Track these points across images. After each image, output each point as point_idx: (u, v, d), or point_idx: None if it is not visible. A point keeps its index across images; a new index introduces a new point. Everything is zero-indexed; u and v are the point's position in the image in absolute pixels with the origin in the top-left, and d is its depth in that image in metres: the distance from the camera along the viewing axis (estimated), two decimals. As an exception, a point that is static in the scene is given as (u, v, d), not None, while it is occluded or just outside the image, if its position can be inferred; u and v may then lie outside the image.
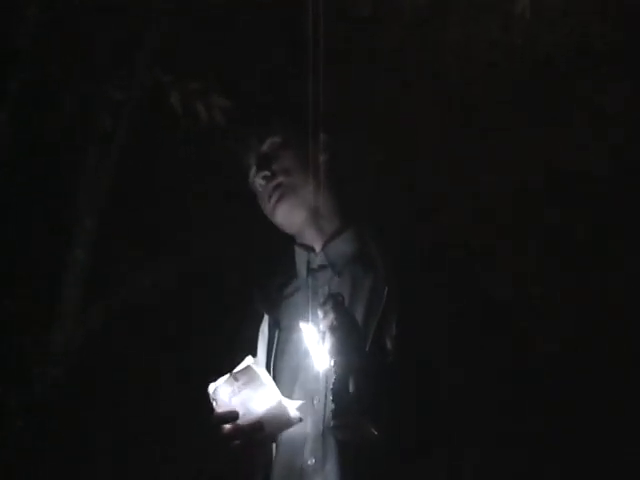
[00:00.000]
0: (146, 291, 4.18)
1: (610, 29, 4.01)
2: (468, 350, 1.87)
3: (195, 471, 3.58)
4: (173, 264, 4.27)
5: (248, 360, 1.86)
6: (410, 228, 2.14)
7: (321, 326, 1.82)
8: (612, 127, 4.13)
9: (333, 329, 1.79)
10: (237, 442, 1.85)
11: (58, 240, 3.99)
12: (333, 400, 1.78)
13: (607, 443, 3.91)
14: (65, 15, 3.62)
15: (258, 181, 2.05)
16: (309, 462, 1.88)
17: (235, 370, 1.85)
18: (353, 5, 3.85)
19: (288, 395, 1.90)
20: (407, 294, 1.88)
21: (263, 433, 1.85)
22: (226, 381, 1.85)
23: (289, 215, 2.03)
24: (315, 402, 1.90)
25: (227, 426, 1.85)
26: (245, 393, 1.84)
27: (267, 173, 2.04)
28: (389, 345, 1.85)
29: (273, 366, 1.99)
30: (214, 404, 1.86)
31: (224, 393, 1.85)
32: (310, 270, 2.03)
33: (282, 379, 1.95)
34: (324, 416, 1.87)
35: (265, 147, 2.07)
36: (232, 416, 1.84)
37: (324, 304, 1.82)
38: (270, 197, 2.03)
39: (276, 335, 2.02)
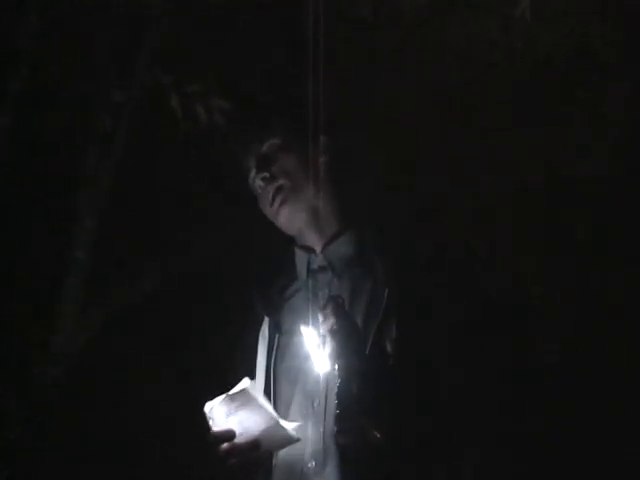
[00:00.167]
0: (146, 291, 4.17)
1: (610, 29, 4.01)
2: (468, 350, 1.87)
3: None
4: (173, 264, 4.27)
5: (245, 383, 1.84)
6: (410, 228, 2.14)
7: (321, 329, 1.82)
8: (612, 127, 4.13)
9: (333, 332, 1.79)
10: (234, 460, 1.84)
11: (58, 240, 3.99)
12: (337, 404, 1.78)
13: (607, 443, 3.91)
14: (65, 15, 3.62)
15: (257, 183, 2.05)
16: (309, 465, 1.88)
17: (231, 392, 1.84)
18: (353, 5, 3.85)
19: (289, 398, 1.90)
20: (407, 295, 1.88)
21: (260, 452, 1.85)
22: (222, 401, 1.83)
23: (290, 217, 2.03)
24: (315, 405, 1.90)
25: (224, 445, 1.84)
26: (241, 414, 1.83)
27: (266, 175, 2.04)
28: (389, 347, 1.85)
29: (273, 368, 1.99)
30: (210, 422, 1.85)
31: (220, 413, 1.84)
32: (310, 271, 2.03)
33: (282, 382, 1.95)
34: (324, 419, 1.88)
35: (264, 148, 2.07)
36: (229, 435, 1.84)
37: (324, 307, 1.82)
38: (271, 200, 2.03)
39: (276, 337, 2.01)
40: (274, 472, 1.94)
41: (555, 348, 4.03)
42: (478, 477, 1.87)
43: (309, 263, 2.03)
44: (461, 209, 4.05)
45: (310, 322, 1.88)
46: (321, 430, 1.87)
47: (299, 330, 1.87)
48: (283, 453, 1.92)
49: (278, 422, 1.84)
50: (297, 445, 1.88)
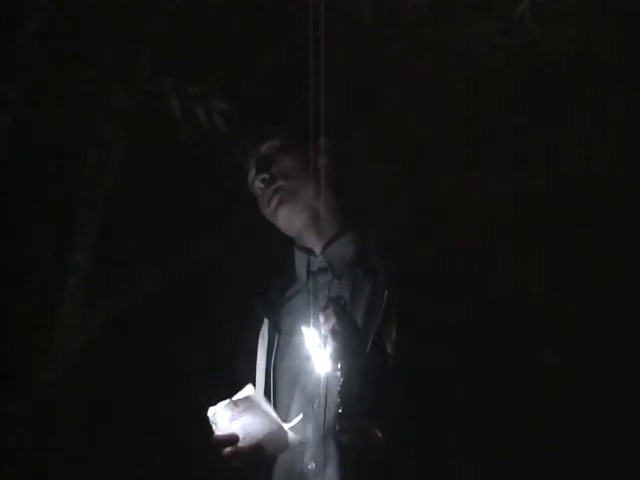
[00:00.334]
0: (146, 291, 4.17)
1: (610, 29, 4.01)
2: (468, 350, 1.87)
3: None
4: (173, 265, 4.27)
5: (249, 390, 1.86)
6: (410, 230, 2.14)
7: (322, 330, 1.82)
8: (612, 127, 4.13)
9: (334, 333, 1.80)
10: (236, 464, 1.85)
11: (58, 242, 3.99)
12: (339, 403, 1.78)
13: (607, 443, 3.91)
14: (65, 16, 3.62)
15: (257, 184, 2.06)
16: (309, 466, 1.89)
17: (235, 397, 1.85)
18: (353, 5, 3.85)
19: (288, 399, 1.90)
20: (407, 296, 1.88)
21: (263, 455, 1.86)
22: (226, 406, 1.85)
23: (289, 219, 2.03)
24: (315, 406, 1.90)
25: (227, 449, 1.85)
26: (245, 419, 1.84)
27: (266, 176, 2.04)
28: (389, 347, 1.85)
29: (273, 369, 1.99)
30: (214, 427, 1.86)
31: (224, 417, 1.85)
32: (310, 273, 2.03)
33: (282, 383, 1.96)
34: (324, 420, 1.88)
35: (264, 150, 2.07)
36: (232, 439, 1.85)
37: (325, 308, 1.82)
38: (270, 201, 2.03)
39: (276, 338, 2.02)
40: (274, 473, 1.94)
41: (555, 348, 4.03)
42: (478, 477, 1.87)
43: (309, 264, 2.04)
44: (462, 210, 4.05)
45: (311, 323, 1.88)
46: (321, 432, 1.88)
47: (299, 331, 1.87)
48: (283, 454, 1.92)
49: (281, 427, 1.85)
50: (297, 447, 1.88)
